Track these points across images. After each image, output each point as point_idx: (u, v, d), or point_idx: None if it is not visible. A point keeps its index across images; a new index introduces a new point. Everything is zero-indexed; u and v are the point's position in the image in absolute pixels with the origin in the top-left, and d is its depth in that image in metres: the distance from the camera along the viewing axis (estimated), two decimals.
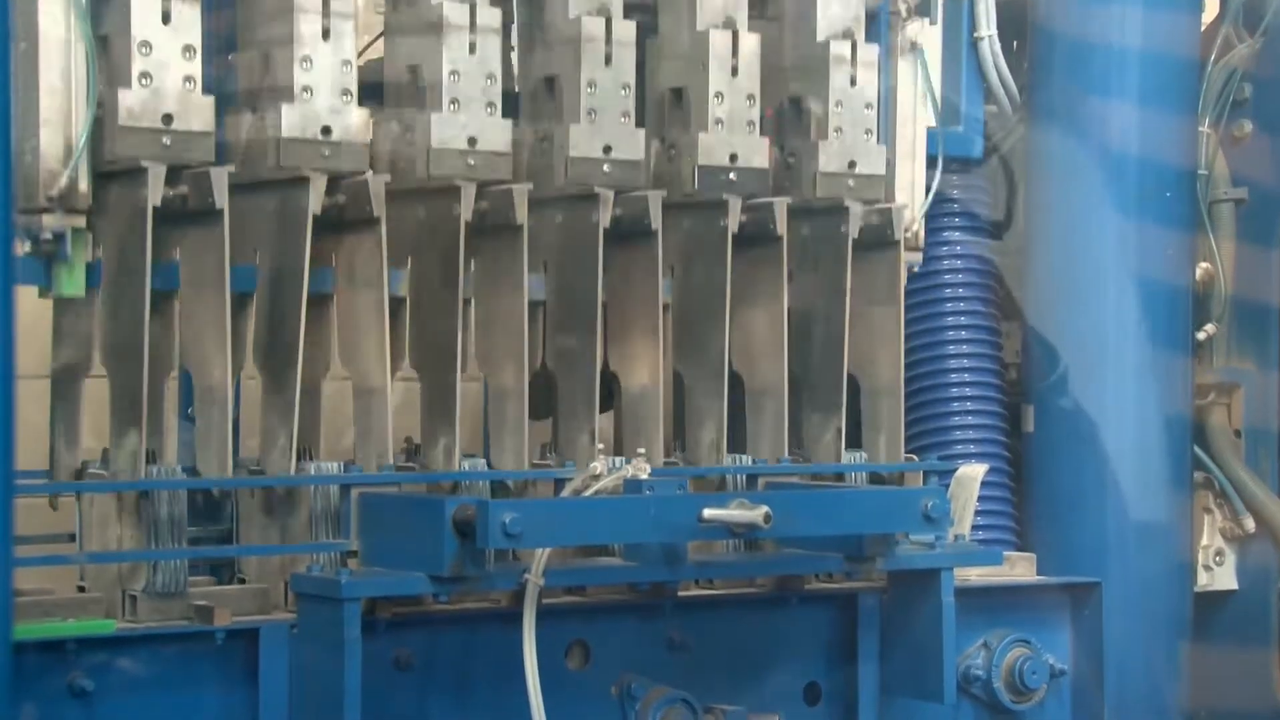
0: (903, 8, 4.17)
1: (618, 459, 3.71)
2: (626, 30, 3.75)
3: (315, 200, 3.42)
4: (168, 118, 3.30)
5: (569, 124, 3.71)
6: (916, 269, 4.26)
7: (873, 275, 4.09)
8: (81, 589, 3.48)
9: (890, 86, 4.18)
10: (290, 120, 3.42)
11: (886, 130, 4.16)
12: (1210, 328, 4.77)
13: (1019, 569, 4.41)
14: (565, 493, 3.58)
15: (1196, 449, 4.70)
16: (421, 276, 3.65)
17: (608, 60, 3.71)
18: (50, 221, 3.24)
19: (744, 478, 3.91)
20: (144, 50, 3.29)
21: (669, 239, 3.85)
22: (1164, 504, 4.56)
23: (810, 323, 4.07)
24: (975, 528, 4.28)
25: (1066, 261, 4.60)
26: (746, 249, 3.91)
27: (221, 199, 3.33)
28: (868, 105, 4.04)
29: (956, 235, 4.68)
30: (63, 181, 3.23)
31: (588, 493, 3.53)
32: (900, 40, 4.19)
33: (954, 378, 4.63)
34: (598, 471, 3.56)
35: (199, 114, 3.33)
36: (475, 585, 3.42)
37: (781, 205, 3.89)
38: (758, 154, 3.91)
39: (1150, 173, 4.56)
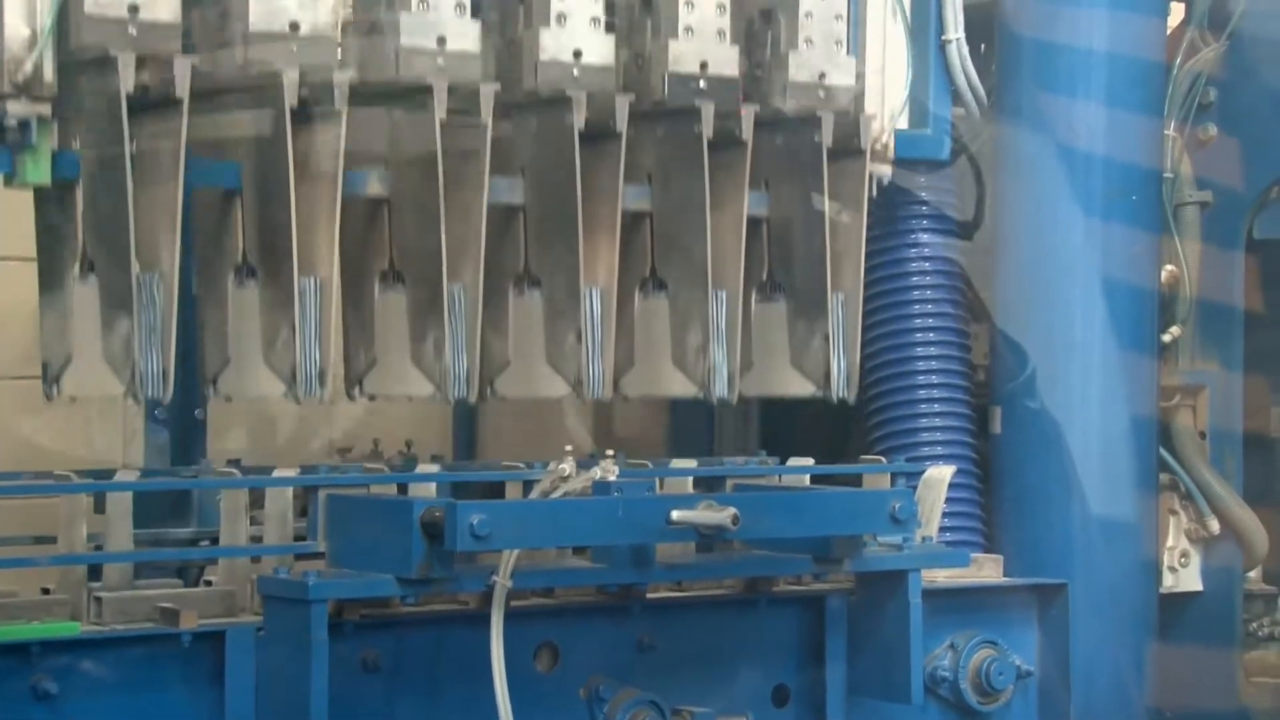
0: None
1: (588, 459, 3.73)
2: None
3: (290, 94, 3.41)
4: (133, 8, 3.29)
5: (539, 27, 3.71)
6: (886, 182, 4.26)
7: (838, 184, 4.09)
8: (46, 591, 3.47)
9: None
10: (258, 13, 3.39)
11: (856, 44, 4.17)
12: (1175, 330, 4.82)
13: (986, 570, 4.44)
14: (534, 494, 3.59)
15: (1162, 451, 4.75)
16: (400, 180, 3.64)
17: None
18: (16, 109, 3.23)
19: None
20: None
21: (642, 148, 3.87)
22: (1130, 506, 4.59)
23: (789, 231, 4.08)
24: (942, 529, 4.31)
25: (1034, 263, 4.64)
26: (714, 156, 3.90)
27: (183, 89, 3.31)
28: (837, 16, 4.04)
29: (925, 237, 4.71)
30: (28, 68, 3.22)
31: (556, 494, 3.54)
32: None
33: (921, 379, 4.66)
34: (566, 473, 3.57)
35: (165, 4, 3.32)
36: (443, 587, 3.43)
37: (749, 112, 3.91)
38: (728, 63, 3.92)
39: (1116, 175, 4.60)
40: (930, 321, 4.69)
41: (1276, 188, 4.83)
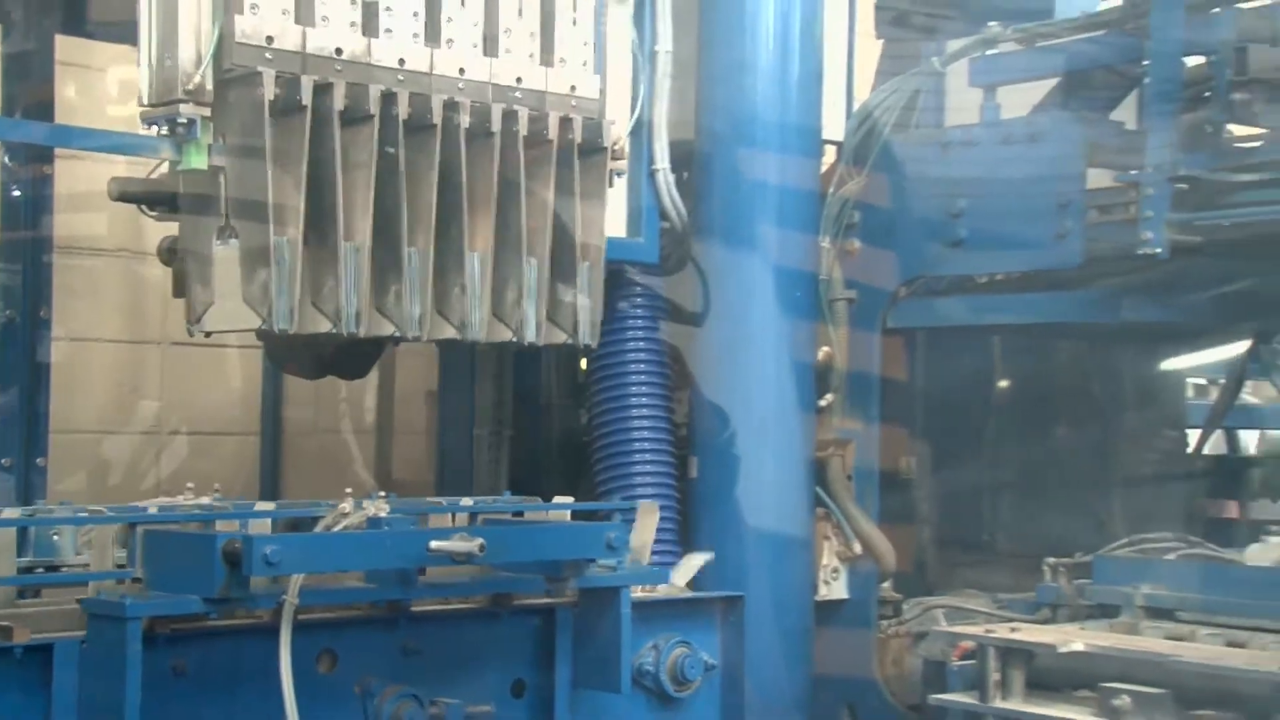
0: None
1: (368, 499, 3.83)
2: None
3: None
4: (270, 38, 3.72)
5: (369, 39, 3.92)
6: (621, 177, 4.56)
7: (586, 177, 4.30)
8: None
9: (603, 33, 4.49)
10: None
11: (600, 65, 4.43)
12: (830, 396, 5.09)
13: (681, 586, 4.63)
14: (318, 528, 3.65)
15: (819, 489, 5.03)
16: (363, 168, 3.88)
17: None
18: (186, 110, 3.66)
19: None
20: None
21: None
22: (793, 533, 4.88)
23: (550, 214, 4.27)
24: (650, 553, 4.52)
25: (724, 344, 4.93)
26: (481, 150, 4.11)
27: (307, 97, 3.72)
28: (585, 43, 4.32)
29: (640, 323, 4.95)
30: (196, 79, 3.67)
31: (337, 528, 3.61)
32: None
33: (636, 434, 4.89)
34: (346, 510, 3.66)
35: (291, 35, 3.76)
36: (241, 605, 3.47)
37: (498, 109, 4.10)
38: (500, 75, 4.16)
39: (784, 277, 4.92)
40: (644, 389, 4.92)
41: (903, 289, 5.17)
